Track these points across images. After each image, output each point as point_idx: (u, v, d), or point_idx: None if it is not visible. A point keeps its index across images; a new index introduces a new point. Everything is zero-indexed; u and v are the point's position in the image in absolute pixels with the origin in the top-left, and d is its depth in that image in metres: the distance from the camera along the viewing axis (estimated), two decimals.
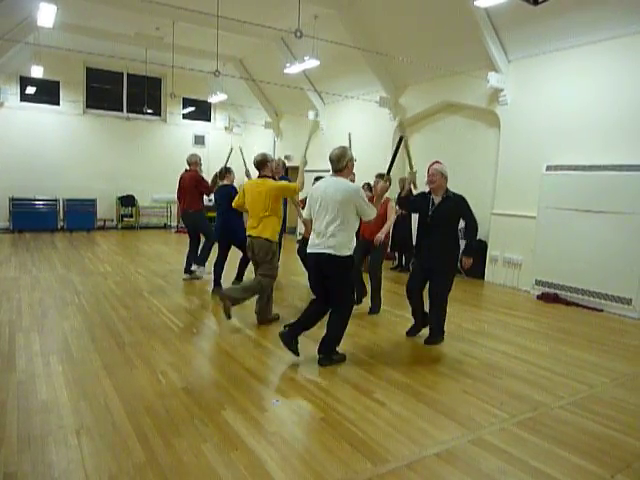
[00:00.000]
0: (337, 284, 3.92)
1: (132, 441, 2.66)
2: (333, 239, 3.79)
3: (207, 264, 7.17)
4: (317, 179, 5.33)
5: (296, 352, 3.99)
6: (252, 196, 4.98)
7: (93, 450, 2.57)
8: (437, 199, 4.53)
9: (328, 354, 3.99)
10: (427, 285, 4.67)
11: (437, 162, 4.63)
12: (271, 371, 3.82)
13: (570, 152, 6.79)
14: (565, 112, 6.90)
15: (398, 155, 4.44)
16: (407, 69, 9.19)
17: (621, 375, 4.05)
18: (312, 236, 3.98)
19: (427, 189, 4.63)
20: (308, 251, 4.00)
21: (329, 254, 3.80)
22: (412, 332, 4.84)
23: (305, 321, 4.06)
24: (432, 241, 4.51)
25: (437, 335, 4.66)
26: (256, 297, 5.11)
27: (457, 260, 4.60)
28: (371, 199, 5.56)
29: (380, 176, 5.53)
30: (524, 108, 7.48)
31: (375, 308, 5.72)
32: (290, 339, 3.98)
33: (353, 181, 4.07)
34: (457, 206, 4.51)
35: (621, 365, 4.30)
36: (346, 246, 3.83)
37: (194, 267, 7.17)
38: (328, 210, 3.81)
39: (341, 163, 3.89)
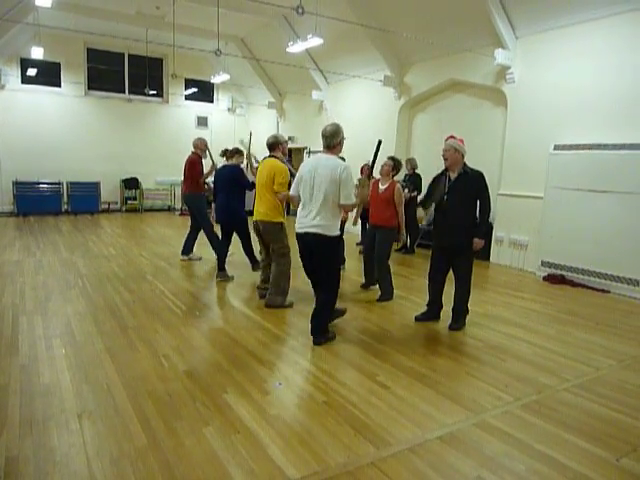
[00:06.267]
0: (325, 263, 3.90)
1: (134, 425, 2.65)
2: (321, 218, 3.74)
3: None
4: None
5: (333, 337, 4.09)
6: (260, 177, 4.90)
7: (95, 434, 2.56)
8: (453, 175, 4.36)
9: (322, 334, 3.99)
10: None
11: (451, 137, 4.41)
12: (274, 354, 3.80)
13: (579, 131, 6.64)
14: (574, 90, 6.71)
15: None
16: (412, 47, 8.98)
17: (628, 357, 4.01)
18: (299, 214, 3.92)
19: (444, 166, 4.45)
20: (296, 231, 3.94)
21: (315, 233, 3.77)
22: (423, 318, 4.69)
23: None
24: (451, 220, 4.35)
25: (461, 319, 4.55)
26: (260, 274, 5.12)
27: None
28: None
29: (391, 158, 5.59)
30: (532, 86, 7.30)
31: (386, 294, 5.44)
32: (321, 337, 3.99)
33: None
34: (473, 182, 4.31)
35: (628, 347, 4.25)
36: (334, 225, 3.81)
37: (192, 255, 6.98)
38: (318, 188, 3.74)
39: (335, 139, 3.82)
